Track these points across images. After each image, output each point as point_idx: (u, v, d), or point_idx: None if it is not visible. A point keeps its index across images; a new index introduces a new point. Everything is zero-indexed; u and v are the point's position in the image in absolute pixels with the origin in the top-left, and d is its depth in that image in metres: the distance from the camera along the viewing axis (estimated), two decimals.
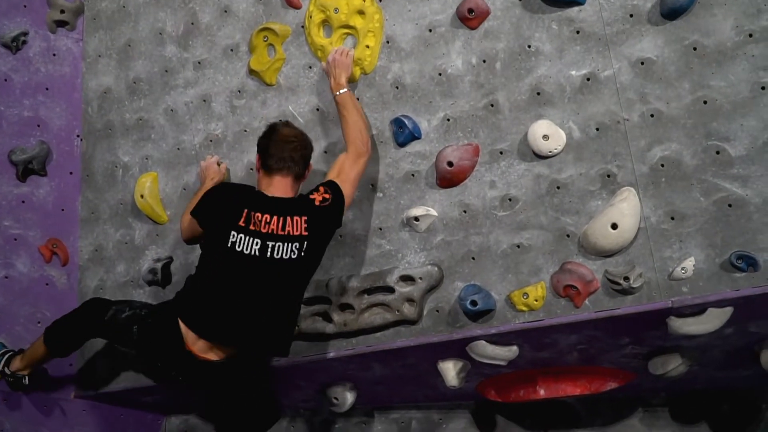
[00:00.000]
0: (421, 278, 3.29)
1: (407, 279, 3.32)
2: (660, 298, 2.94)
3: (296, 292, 3.07)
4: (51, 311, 4.02)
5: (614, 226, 2.94)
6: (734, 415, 3.76)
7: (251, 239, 2.94)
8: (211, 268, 3.04)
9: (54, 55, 4.10)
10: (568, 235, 3.09)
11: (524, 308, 3.13)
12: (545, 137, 3.07)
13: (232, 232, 2.94)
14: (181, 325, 2.99)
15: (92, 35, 4.09)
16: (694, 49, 2.88)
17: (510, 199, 3.17)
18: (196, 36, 3.81)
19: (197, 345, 2.98)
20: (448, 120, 3.29)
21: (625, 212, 2.94)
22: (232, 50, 3.72)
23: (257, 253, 2.94)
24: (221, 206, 3.03)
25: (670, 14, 2.89)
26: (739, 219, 2.83)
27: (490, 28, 3.21)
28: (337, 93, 3.22)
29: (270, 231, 2.93)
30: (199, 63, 3.81)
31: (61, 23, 4.08)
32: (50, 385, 4.03)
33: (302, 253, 2.94)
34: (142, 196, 3.86)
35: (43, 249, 4.05)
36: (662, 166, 2.93)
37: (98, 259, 4.05)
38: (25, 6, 4.04)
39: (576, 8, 3.04)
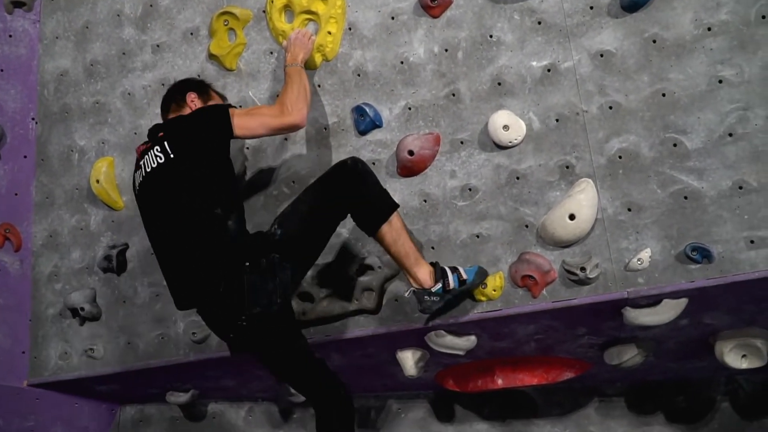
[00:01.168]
0: (380, 267, 3.28)
1: (368, 267, 3.31)
2: (616, 289, 2.97)
3: (206, 200, 2.82)
4: (3, 297, 4.01)
5: (572, 217, 2.96)
6: (689, 406, 3.81)
7: (138, 172, 2.98)
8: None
9: (10, 36, 4.07)
10: (526, 226, 3.10)
11: (482, 298, 3.14)
12: (505, 127, 3.08)
13: (134, 174, 3.06)
14: None
15: (50, 16, 4.06)
16: (654, 41, 2.91)
17: (470, 189, 3.18)
18: (154, 18, 3.79)
19: None
20: (410, 109, 3.29)
21: (582, 203, 2.96)
22: (191, 34, 3.70)
23: (140, 178, 2.94)
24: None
25: (630, 7, 2.92)
26: (694, 211, 2.87)
27: (452, 17, 3.22)
28: (288, 66, 3.15)
29: (141, 150, 2.99)
30: (157, 46, 3.78)
31: (18, 4, 4.06)
32: (1, 372, 3.97)
33: (170, 155, 2.82)
34: (98, 181, 3.82)
35: None
36: (620, 157, 2.96)
37: (53, 245, 4.00)
38: None
39: None
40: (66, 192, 3.99)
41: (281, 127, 2.95)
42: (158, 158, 2.83)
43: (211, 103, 3.15)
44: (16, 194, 4.05)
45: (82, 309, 3.84)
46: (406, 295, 3.07)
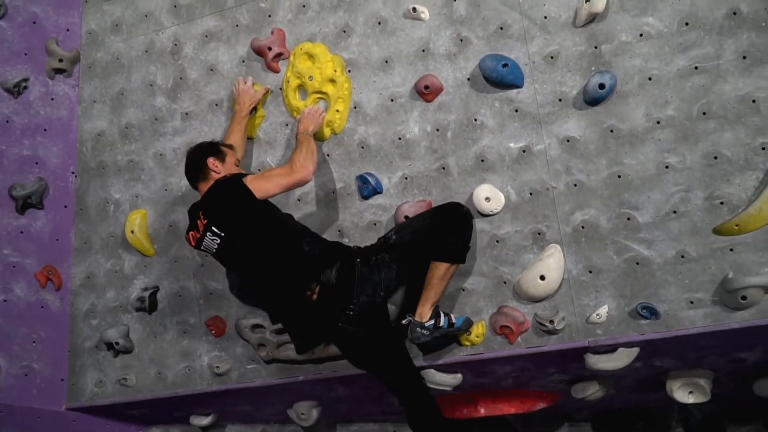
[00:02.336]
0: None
1: None
2: (579, 338, 3.50)
3: (273, 247, 3.34)
4: (45, 332, 4.45)
5: (542, 278, 3.48)
6: (648, 430, 4.34)
7: (202, 249, 3.48)
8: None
9: (52, 99, 4.48)
10: (504, 282, 3.63)
11: (467, 343, 3.67)
12: (487, 199, 3.59)
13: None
14: None
15: (88, 82, 4.49)
16: (611, 131, 3.42)
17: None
18: (184, 90, 4.25)
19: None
20: (406, 178, 3.79)
21: (551, 266, 3.48)
22: (216, 105, 4.16)
23: (212, 252, 3.44)
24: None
25: (592, 101, 3.42)
26: (644, 275, 3.39)
27: (443, 102, 3.71)
28: (300, 133, 3.63)
29: (196, 241, 3.45)
30: (186, 114, 4.24)
31: (59, 71, 4.47)
32: (43, 398, 4.43)
33: (222, 234, 3.33)
34: (132, 232, 4.29)
35: (39, 275, 4.43)
36: (583, 227, 3.48)
37: (90, 285, 4.47)
38: (26, 54, 4.42)
39: (515, 90, 3.56)
40: (102, 239, 4.46)
41: (291, 184, 3.41)
42: (215, 240, 3.34)
43: (227, 159, 3.55)
44: (57, 240, 4.49)
45: (117, 343, 4.32)
46: (403, 322, 3.57)
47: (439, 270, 3.36)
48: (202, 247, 3.42)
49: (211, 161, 3.50)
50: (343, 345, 3.51)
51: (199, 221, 3.39)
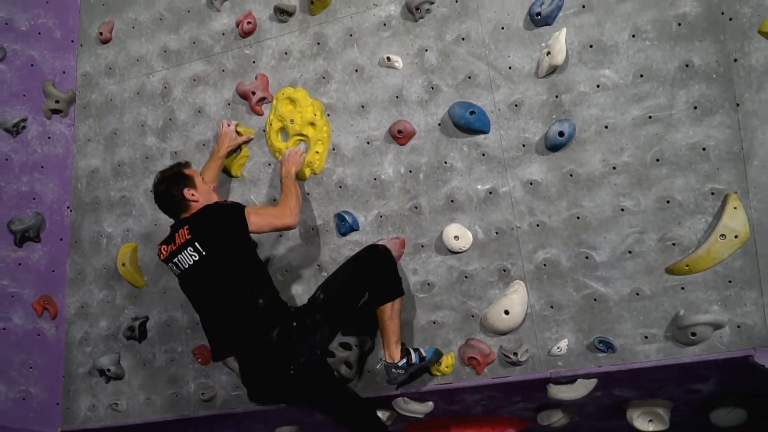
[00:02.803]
0: (356, 346, 4.00)
1: (345, 346, 4.02)
2: (541, 370, 3.71)
3: (236, 284, 3.38)
4: (41, 358, 4.66)
5: (507, 312, 3.69)
6: None
7: (170, 264, 3.54)
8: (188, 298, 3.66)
9: (49, 138, 4.71)
10: (472, 316, 3.84)
11: (438, 373, 3.88)
12: (456, 237, 3.81)
13: (168, 267, 3.59)
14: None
15: (83, 122, 4.72)
16: (571, 175, 3.64)
17: (428, 284, 3.91)
18: (173, 130, 4.48)
19: None
20: (381, 217, 4.01)
21: (515, 301, 3.70)
22: (203, 145, 4.38)
23: (178, 271, 3.50)
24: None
25: (553, 148, 3.64)
26: (602, 311, 3.60)
27: (415, 145, 3.93)
28: (284, 177, 3.84)
29: (168, 254, 3.50)
30: (175, 153, 4.47)
31: (55, 111, 4.69)
32: (39, 421, 4.64)
33: (203, 253, 3.37)
34: (123, 264, 4.52)
35: (36, 305, 4.65)
36: (545, 265, 3.70)
37: (83, 314, 4.68)
38: (24, 95, 4.66)
39: (482, 136, 3.78)
40: (95, 270, 4.67)
41: (280, 227, 3.59)
42: (193, 257, 3.38)
43: (196, 182, 3.61)
44: (53, 271, 4.71)
45: (109, 370, 4.54)
46: (377, 367, 3.81)
47: (385, 311, 3.57)
48: (173, 261, 3.47)
49: (187, 192, 3.56)
50: (289, 396, 3.62)
51: (178, 234, 3.45)
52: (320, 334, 3.49)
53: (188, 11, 4.42)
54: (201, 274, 3.42)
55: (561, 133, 3.56)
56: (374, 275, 3.58)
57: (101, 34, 4.63)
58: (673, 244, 3.46)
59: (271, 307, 3.45)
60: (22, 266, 4.64)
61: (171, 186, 3.58)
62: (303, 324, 3.44)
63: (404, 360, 3.62)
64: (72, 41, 4.76)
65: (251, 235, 3.54)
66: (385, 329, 3.60)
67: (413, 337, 3.89)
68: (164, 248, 3.56)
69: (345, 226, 4.03)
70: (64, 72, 4.75)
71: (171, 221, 4.03)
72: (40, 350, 4.67)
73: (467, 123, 3.74)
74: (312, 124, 4.10)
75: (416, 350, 3.69)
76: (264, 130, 4.23)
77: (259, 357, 3.39)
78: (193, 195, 3.57)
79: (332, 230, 4.09)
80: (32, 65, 4.68)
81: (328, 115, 4.09)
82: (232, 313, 3.41)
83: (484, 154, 3.78)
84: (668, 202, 3.46)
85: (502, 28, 3.72)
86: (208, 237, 3.40)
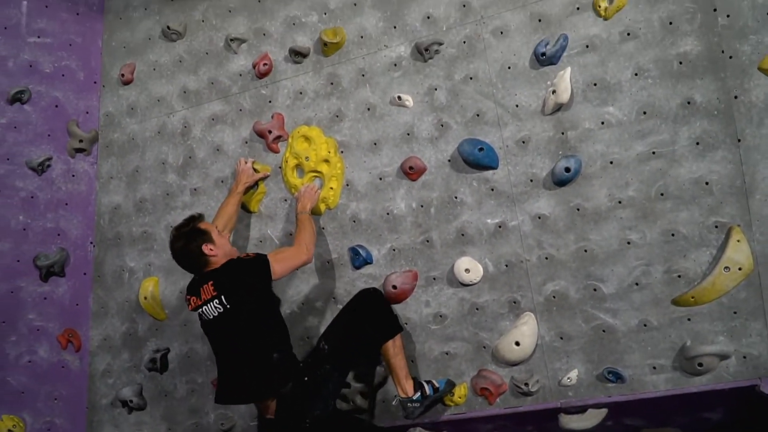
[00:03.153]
0: (371, 376, 4.10)
1: (360, 376, 4.11)
2: (552, 400, 3.79)
3: (256, 338, 3.47)
4: (66, 390, 4.79)
5: (517, 343, 3.78)
6: None
7: (197, 314, 3.64)
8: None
9: (73, 176, 4.87)
10: (484, 347, 3.93)
11: (451, 403, 3.97)
12: (467, 270, 3.91)
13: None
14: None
15: (105, 160, 4.89)
16: (578, 209, 3.74)
17: (441, 316, 4.01)
18: (192, 168, 4.63)
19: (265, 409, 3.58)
20: (394, 250, 4.12)
21: (525, 333, 3.78)
22: (222, 181, 4.52)
23: (200, 320, 3.61)
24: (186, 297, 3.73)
25: (560, 183, 3.74)
26: (610, 342, 3.68)
27: (426, 181, 4.05)
28: (300, 213, 4.00)
29: (196, 304, 3.58)
30: (194, 190, 4.62)
31: (79, 150, 4.86)
32: None
33: (227, 306, 3.46)
34: (145, 298, 4.66)
35: (60, 338, 4.79)
36: (554, 297, 3.79)
37: (106, 347, 4.82)
38: (49, 135, 4.82)
39: (491, 171, 3.89)
40: (118, 304, 4.81)
41: (299, 265, 3.71)
42: (218, 309, 3.47)
43: (213, 236, 3.65)
44: (77, 304, 4.86)
45: (131, 401, 4.66)
46: (393, 403, 3.91)
47: (388, 350, 3.69)
48: (199, 312, 3.58)
49: (206, 248, 3.60)
50: None
51: (203, 289, 3.54)
52: (332, 384, 3.62)
53: (207, 53, 4.58)
54: (224, 325, 3.52)
55: (567, 169, 3.66)
56: (369, 317, 3.71)
57: (123, 75, 4.80)
58: (679, 276, 3.54)
59: (284, 362, 3.53)
60: (48, 300, 4.77)
61: (188, 243, 3.63)
62: (314, 377, 3.54)
63: (418, 393, 3.72)
64: (95, 82, 4.93)
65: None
66: (393, 366, 3.71)
67: (428, 368, 3.99)
68: (193, 299, 3.64)
69: (359, 259, 4.13)
70: (87, 112, 4.91)
71: None
72: (64, 382, 4.80)
73: (476, 159, 3.85)
74: (326, 160, 4.22)
75: (428, 382, 3.77)
76: (280, 167, 4.36)
77: (276, 412, 3.50)
78: (211, 250, 3.62)
79: (347, 263, 4.20)
80: (56, 106, 4.84)
81: (342, 152, 4.21)
82: (246, 365, 3.49)
83: (493, 189, 3.88)
84: (673, 235, 3.54)
85: (509, 68, 3.84)
86: (232, 291, 3.49)
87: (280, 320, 3.68)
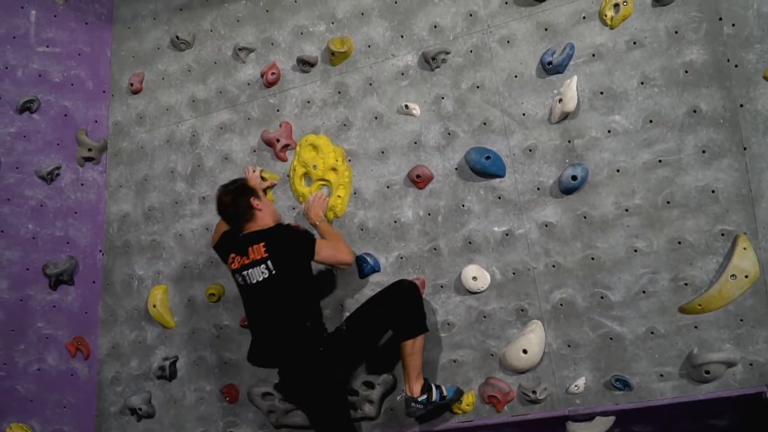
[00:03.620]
0: (379, 384, 4.12)
1: (368, 384, 4.14)
2: (559, 407, 3.80)
3: (294, 305, 3.62)
4: (75, 398, 4.82)
5: (525, 351, 3.80)
6: None
7: (236, 275, 3.74)
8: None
9: (82, 184, 4.90)
10: (491, 355, 3.95)
11: (459, 411, 3.98)
12: (474, 278, 3.93)
13: (233, 274, 3.78)
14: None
15: (114, 169, 4.93)
16: (584, 217, 3.76)
17: (448, 324, 4.03)
18: (201, 176, 4.66)
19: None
20: (401, 258, 4.14)
21: (533, 341, 3.80)
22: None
23: (242, 283, 3.70)
24: (223, 253, 3.90)
25: (566, 191, 3.76)
26: (617, 350, 3.70)
27: (433, 189, 4.07)
28: (317, 223, 4.06)
29: (240, 265, 3.68)
30: (203, 198, 4.65)
31: (88, 159, 4.89)
32: None
33: (272, 271, 3.58)
34: (154, 306, 4.68)
35: (69, 346, 4.82)
36: (561, 305, 3.80)
37: (115, 354, 4.84)
38: (58, 144, 4.86)
39: (498, 180, 3.92)
40: (127, 312, 4.84)
41: (342, 262, 3.79)
42: (263, 274, 3.59)
43: (259, 193, 3.92)
44: (86, 313, 4.88)
45: (140, 409, 4.68)
46: (398, 398, 3.92)
47: (407, 347, 3.69)
48: (243, 273, 3.67)
49: (254, 201, 3.81)
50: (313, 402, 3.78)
51: (252, 249, 3.64)
52: (339, 363, 3.72)
53: (215, 63, 4.62)
54: (266, 290, 3.62)
55: (574, 177, 3.68)
56: (398, 310, 3.70)
57: (132, 84, 4.84)
58: (686, 284, 3.55)
59: (317, 331, 3.68)
60: (57, 308, 4.80)
61: (237, 196, 3.82)
62: (328, 350, 3.66)
63: (424, 396, 3.73)
64: (104, 92, 4.97)
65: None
66: (406, 364, 3.72)
67: (435, 376, 4.00)
68: (237, 258, 3.72)
69: (367, 267, 4.16)
70: (96, 121, 4.95)
71: (199, 264, 4.25)
72: (73, 390, 4.83)
73: (483, 167, 3.87)
74: (334, 169, 4.25)
75: (438, 387, 3.79)
76: (288, 176, 4.39)
77: (297, 371, 3.67)
78: (258, 205, 3.81)
79: (354, 271, 4.22)
80: (66, 115, 4.88)
81: (350, 160, 4.24)
82: (282, 331, 3.62)
83: (500, 198, 3.90)
84: (680, 243, 3.56)
85: (516, 77, 3.87)
86: (281, 258, 3.60)
87: (316, 294, 3.83)
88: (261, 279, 3.60)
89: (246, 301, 3.79)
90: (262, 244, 3.62)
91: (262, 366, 3.91)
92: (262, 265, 3.59)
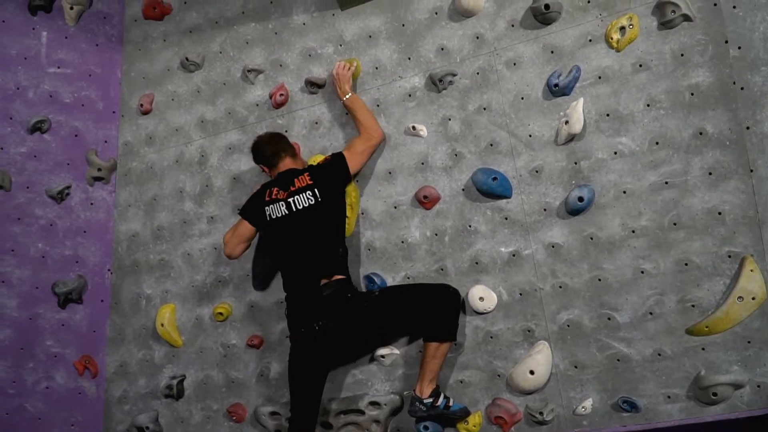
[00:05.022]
0: (385, 404, 4.11)
1: (375, 404, 4.13)
2: (566, 429, 3.79)
3: (332, 231, 3.87)
4: (82, 416, 4.83)
5: (532, 372, 3.79)
6: None
7: (277, 205, 3.87)
8: (273, 247, 4.14)
9: (91, 204, 4.95)
10: (498, 375, 3.95)
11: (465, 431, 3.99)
12: (481, 298, 3.94)
13: (265, 208, 3.91)
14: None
15: (123, 188, 4.97)
16: (591, 239, 3.77)
17: (455, 344, 4.01)
18: (209, 196, 4.69)
19: None
20: (408, 278, 4.15)
21: (540, 362, 3.80)
22: (238, 209, 4.57)
23: (286, 212, 3.84)
24: (254, 199, 4.03)
25: (573, 212, 3.77)
26: (625, 371, 3.69)
27: (440, 209, 4.09)
28: (344, 98, 4.11)
29: (286, 194, 3.86)
30: (211, 218, 4.68)
31: (98, 178, 4.93)
32: None
33: (318, 198, 3.80)
34: (162, 324, 4.71)
35: (77, 364, 4.84)
36: (568, 326, 3.81)
37: (123, 373, 4.86)
38: (68, 164, 4.91)
39: (505, 200, 3.93)
40: (135, 330, 4.87)
41: (376, 146, 4.07)
42: (309, 201, 3.81)
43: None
44: (94, 331, 4.90)
45: (147, 427, 4.68)
46: (405, 393, 4.01)
47: (430, 348, 3.73)
48: (289, 200, 3.86)
49: (296, 144, 4.19)
50: (299, 347, 3.89)
51: (299, 179, 3.87)
52: (358, 320, 3.79)
53: (224, 84, 4.67)
54: (307, 217, 3.83)
55: (581, 198, 3.70)
56: (438, 309, 3.76)
57: (142, 105, 4.89)
58: (693, 306, 3.55)
59: (344, 256, 3.92)
60: (65, 327, 4.83)
61: (275, 135, 4.17)
62: (353, 301, 3.80)
63: (430, 399, 3.77)
64: (114, 112, 5.01)
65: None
66: (424, 365, 3.77)
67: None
68: (281, 192, 3.90)
69: (374, 287, 4.16)
70: (106, 141, 4.99)
71: (206, 284, 4.27)
72: (80, 408, 4.84)
73: (490, 188, 3.89)
74: None
75: (447, 397, 3.83)
76: None
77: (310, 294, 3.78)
78: (296, 144, 4.18)
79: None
80: (76, 135, 4.93)
81: (357, 180, 4.25)
82: (317, 254, 3.80)
83: (506, 218, 3.91)
84: (686, 264, 3.56)
85: (522, 99, 3.89)
86: (325, 185, 3.87)
87: (345, 222, 3.99)
88: (306, 205, 3.81)
89: (282, 231, 3.90)
90: (306, 174, 3.86)
91: (299, 294, 3.90)
92: (308, 192, 3.81)
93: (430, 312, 3.76)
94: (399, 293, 3.85)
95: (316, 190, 3.80)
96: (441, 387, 3.93)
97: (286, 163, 4.02)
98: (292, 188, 3.84)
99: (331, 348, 3.83)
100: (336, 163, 3.90)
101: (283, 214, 3.85)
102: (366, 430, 4.12)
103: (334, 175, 3.88)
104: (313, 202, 3.79)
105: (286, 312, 3.96)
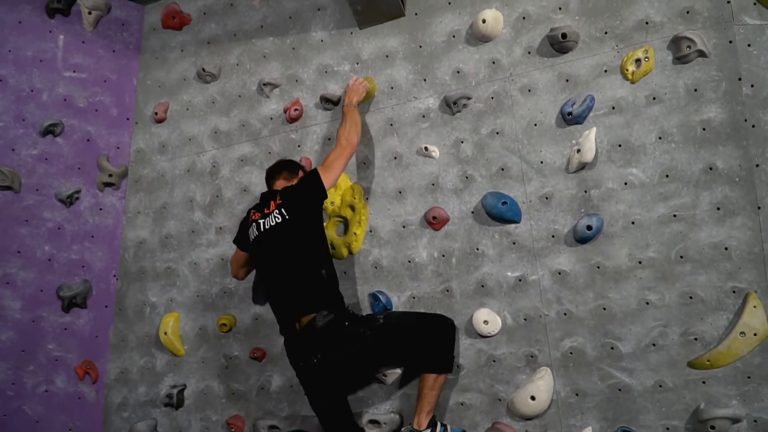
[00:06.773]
0: (385, 423, 4.12)
1: (374, 422, 4.14)
2: None
3: (307, 249, 3.74)
4: (81, 421, 4.82)
5: (533, 398, 3.81)
6: None
7: (252, 227, 3.87)
8: (256, 267, 4.13)
9: (100, 209, 4.97)
10: (499, 399, 3.96)
11: None
12: (485, 322, 3.96)
13: (248, 231, 3.92)
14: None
15: (133, 195, 4.99)
16: (598, 267, 3.79)
17: (457, 366, 4.04)
18: (219, 207, 4.72)
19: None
20: (414, 298, 4.18)
21: (541, 388, 3.82)
22: None
23: (257, 233, 3.83)
24: (242, 223, 4.12)
25: (581, 240, 3.80)
26: (626, 401, 3.71)
27: (449, 231, 4.12)
28: (345, 105, 4.12)
29: (259, 216, 3.85)
30: (220, 228, 4.71)
31: (108, 184, 4.95)
32: None
33: (286, 216, 3.72)
34: (165, 333, 4.72)
35: (78, 369, 4.84)
36: (571, 353, 3.82)
37: (123, 380, 4.87)
38: (79, 168, 4.93)
39: (513, 225, 3.96)
40: (137, 338, 4.88)
41: (348, 159, 3.92)
42: (276, 219, 3.75)
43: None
44: (96, 336, 4.91)
45: None
46: (402, 429, 3.96)
47: (428, 380, 3.72)
48: (259, 222, 3.85)
49: (301, 173, 4.09)
50: (304, 378, 3.79)
51: (274, 200, 3.84)
52: (360, 348, 3.69)
53: (239, 96, 4.71)
54: (278, 235, 3.76)
55: (589, 227, 3.72)
56: (437, 344, 3.77)
57: (156, 113, 4.92)
58: (696, 339, 3.57)
59: (331, 279, 3.75)
60: (68, 331, 4.83)
61: (283, 160, 4.24)
62: (355, 329, 3.68)
63: (428, 430, 3.74)
64: (127, 119, 5.05)
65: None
66: (422, 397, 3.75)
67: (443, 417, 4.00)
68: (257, 214, 3.92)
69: (379, 305, 4.19)
70: (118, 147, 5.02)
71: (212, 294, 4.29)
72: (79, 413, 4.83)
73: (499, 212, 3.92)
74: (351, 206, 4.31)
75: (444, 426, 3.81)
76: None
77: (301, 329, 3.67)
78: (302, 172, 4.09)
79: (366, 309, 4.25)
80: (88, 140, 4.96)
81: (367, 198, 4.28)
82: (298, 278, 3.69)
83: (514, 243, 3.94)
84: (691, 297, 3.58)
85: (535, 125, 3.93)
86: (292, 203, 3.78)
87: (326, 242, 3.90)
88: (274, 224, 3.75)
89: (259, 256, 3.90)
90: (278, 196, 3.81)
91: (285, 321, 3.82)
92: (276, 212, 3.76)
93: (430, 344, 3.77)
94: (399, 325, 3.79)
95: (283, 209, 3.76)
96: (441, 409, 3.95)
97: (278, 185, 4.02)
98: (266, 210, 3.84)
99: (336, 376, 3.78)
100: (308, 179, 3.83)
101: (255, 235, 3.85)
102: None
103: (304, 192, 3.79)
104: (280, 220, 3.75)
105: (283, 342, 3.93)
